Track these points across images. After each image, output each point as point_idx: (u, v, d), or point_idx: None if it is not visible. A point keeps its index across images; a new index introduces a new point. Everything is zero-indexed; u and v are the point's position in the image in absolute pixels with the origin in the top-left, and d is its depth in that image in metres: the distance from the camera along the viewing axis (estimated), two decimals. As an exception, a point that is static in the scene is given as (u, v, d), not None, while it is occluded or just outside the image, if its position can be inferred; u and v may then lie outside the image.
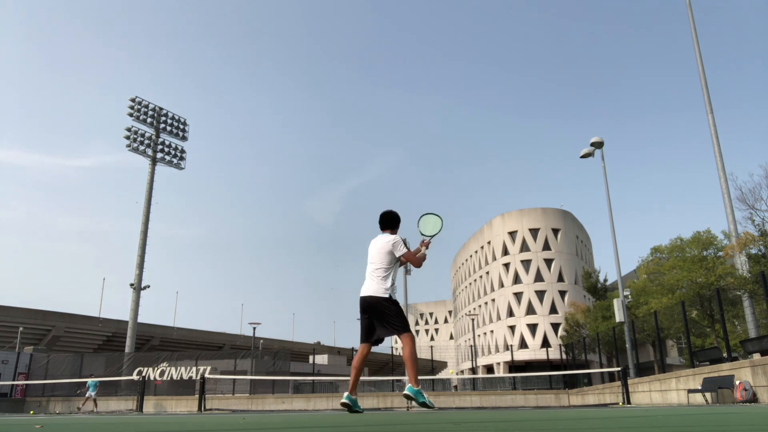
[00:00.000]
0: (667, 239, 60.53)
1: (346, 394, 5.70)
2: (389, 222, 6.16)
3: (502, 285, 73.03)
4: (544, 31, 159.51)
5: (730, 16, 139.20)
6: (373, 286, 5.82)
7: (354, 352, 41.70)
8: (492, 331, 73.96)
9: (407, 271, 53.37)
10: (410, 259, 5.89)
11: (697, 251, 30.50)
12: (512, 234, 73.32)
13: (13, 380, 29.72)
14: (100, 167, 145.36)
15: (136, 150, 39.17)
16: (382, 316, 5.74)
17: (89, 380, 25.08)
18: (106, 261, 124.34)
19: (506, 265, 72.92)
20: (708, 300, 27.14)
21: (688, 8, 21.48)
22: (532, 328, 68.52)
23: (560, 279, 69.86)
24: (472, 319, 61.25)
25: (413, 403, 5.70)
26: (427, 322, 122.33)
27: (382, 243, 5.97)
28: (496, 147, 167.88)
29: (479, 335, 76.82)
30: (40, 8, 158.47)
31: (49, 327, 45.86)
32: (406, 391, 5.66)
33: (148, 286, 37.33)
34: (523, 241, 72.26)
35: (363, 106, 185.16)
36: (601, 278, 50.79)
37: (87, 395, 24.83)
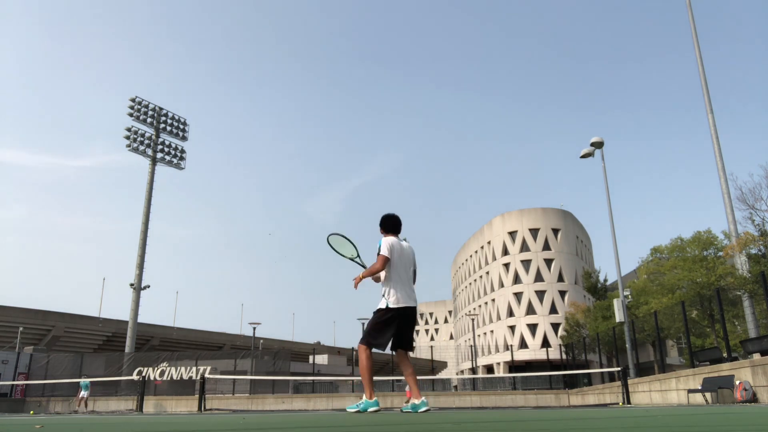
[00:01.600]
0: (667, 239, 60.67)
1: (373, 399, 5.56)
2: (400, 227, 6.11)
3: (502, 285, 73.04)
4: (544, 31, 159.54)
5: (731, 16, 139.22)
6: (414, 295, 5.80)
7: (354, 353, 41.43)
8: (492, 331, 73.96)
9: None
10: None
11: (697, 251, 30.51)
12: (512, 234, 73.33)
13: (13, 380, 29.73)
14: (101, 167, 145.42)
15: (136, 150, 39.18)
16: (412, 327, 5.78)
17: (81, 381, 25.24)
18: (106, 261, 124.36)
19: (506, 265, 72.93)
20: (708, 300, 27.14)
21: (688, 8, 21.48)
22: (532, 328, 68.52)
23: (560, 279, 69.87)
24: (472, 319, 61.25)
25: (409, 406, 5.66)
26: (427, 322, 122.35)
27: (412, 251, 5.97)
28: (497, 147, 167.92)
29: (479, 335, 76.82)
30: (41, 8, 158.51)
31: (49, 327, 45.85)
32: (424, 408, 5.43)
33: (148, 286, 37.34)
34: (523, 241, 72.27)
35: (363, 106, 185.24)
36: (601, 278, 50.83)
37: (81, 396, 24.97)
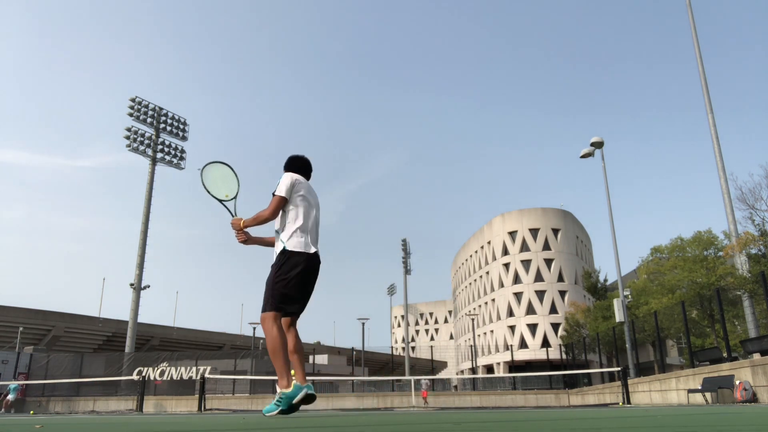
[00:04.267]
0: (667, 239, 60.62)
1: (309, 384, 4.13)
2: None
3: (502, 285, 73.03)
4: (545, 31, 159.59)
5: (731, 16, 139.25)
6: (318, 244, 4.46)
7: (354, 352, 40.99)
8: (492, 331, 73.95)
9: (407, 271, 53.24)
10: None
11: (697, 251, 30.50)
12: (512, 234, 73.31)
13: (13, 380, 29.71)
14: (101, 167, 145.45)
15: (136, 150, 39.14)
16: (314, 285, 4.44)
17: (11, 384, 25.64)
18: (106, 261, 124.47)
19: (506, 265, 72.91)
20: (708, 300, 27.14)
21: (688, 8, 21.47)
22: (532, 328, 68.51)
23: (560, 279, 69.86)
24: (472, 319, 61.26)
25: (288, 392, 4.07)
26: (427, 322, 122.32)
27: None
28: (497, 147, 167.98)
29: (479, 335, 76.79)
30: (40, 8, 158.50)
31: (49, 327, 45.82)
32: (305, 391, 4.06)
33: (148, 286, 37.30)
34: (523, 241, 72.26)
35: (365, 106, 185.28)
36: (601, 278, 50.84)
37: (7, 398, 25.22)
